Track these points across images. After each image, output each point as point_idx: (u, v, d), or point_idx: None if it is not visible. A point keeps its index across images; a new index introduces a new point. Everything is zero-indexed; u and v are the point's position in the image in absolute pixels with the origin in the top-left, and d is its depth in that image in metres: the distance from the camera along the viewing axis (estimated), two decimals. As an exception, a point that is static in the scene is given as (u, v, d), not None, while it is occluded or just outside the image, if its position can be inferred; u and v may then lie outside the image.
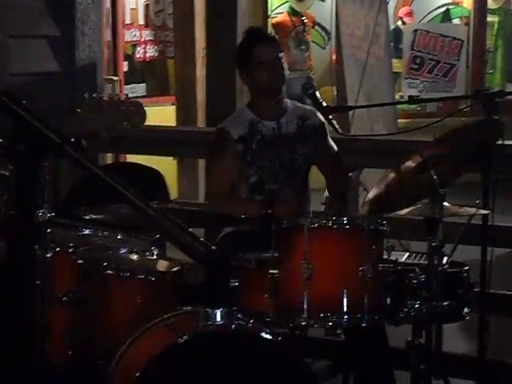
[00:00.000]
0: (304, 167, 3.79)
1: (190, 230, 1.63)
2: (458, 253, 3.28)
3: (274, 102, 3.76)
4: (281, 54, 3.72)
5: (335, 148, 3.90)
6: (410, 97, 3.69)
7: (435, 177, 3.08)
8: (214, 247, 1.49)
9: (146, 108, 2.95)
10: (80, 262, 3.03)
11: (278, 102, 3.77)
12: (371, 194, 3.28)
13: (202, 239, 1.49)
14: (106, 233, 3.29)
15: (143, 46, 8.60)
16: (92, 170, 1.40)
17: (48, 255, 2.97)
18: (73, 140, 1.40)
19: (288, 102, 3.83)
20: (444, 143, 3.17)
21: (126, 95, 2.66)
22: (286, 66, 3.73)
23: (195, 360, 2.65)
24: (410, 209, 3.19)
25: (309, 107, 3.89)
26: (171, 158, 6.95)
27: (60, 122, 2.74)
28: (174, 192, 6.65)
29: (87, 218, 3.24)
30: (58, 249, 3.05)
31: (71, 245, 3.12)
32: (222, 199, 3.67)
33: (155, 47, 8.74)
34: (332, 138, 3.92)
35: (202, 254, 1.43)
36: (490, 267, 3.43)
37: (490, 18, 10.91)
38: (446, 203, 3.11)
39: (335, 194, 3.91)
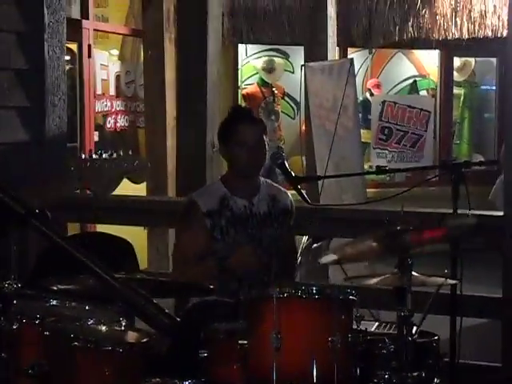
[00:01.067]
0: (271, 247, 3.78)
1: (158, 300, 1.62)
2: (429, 323, 3.28)
3: (248, 181, 3.77)
4: (264, 136, 3.74)
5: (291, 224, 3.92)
6: (377, 167, 3.72)
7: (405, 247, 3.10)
8: (178, 319, 1.48)
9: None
10: (47, 333, 2.98)
11: (252, 181, 3.79)
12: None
13: (167, 311, 1.48)
14: (73, 303, 3.25)
15: (114, 116, 8.64)
16: (55, 240, 1.39)
17: (14, 327, 2.93)
18: (37, 211, 1.40)
19: (261, 179, 3.85)
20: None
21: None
22: (267, 147, 3.75)
23: (163, 433, 2.61)
24: (379, 279, 3.20)
25: (281, 188, 3.92)
26: (141, 228, 6.93)
27: (46, 182, 2.73)
28: (143, 262, 6.61)
29: (54, 288, 3.20)
30: (24, 320, 3.01)
31: (38, 316, 3.07)
32: (186, 266, 3.65)
33: (126, 117, 8.79)
34: (301, 208, 3.94)
35: (167, 326, 1.42)
36: (459, 337, 3.43)
37: (456, 91, 11.13)
38: (414, 273, 3.12)
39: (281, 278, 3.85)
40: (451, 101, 10.97)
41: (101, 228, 6.38)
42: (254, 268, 3.55)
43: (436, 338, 3.19)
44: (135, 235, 5.41)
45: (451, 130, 11.05)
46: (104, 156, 2.86)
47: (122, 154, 2.89)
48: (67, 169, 2.80)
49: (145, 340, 3.03)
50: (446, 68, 10.93)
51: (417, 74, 11.01)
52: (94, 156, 2.84)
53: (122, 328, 3.12)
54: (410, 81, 10.96)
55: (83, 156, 2.84)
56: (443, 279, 3.23)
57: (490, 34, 9.61)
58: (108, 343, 2.97)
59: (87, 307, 3.22)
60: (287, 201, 3.86)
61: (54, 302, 3.26)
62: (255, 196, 3.77)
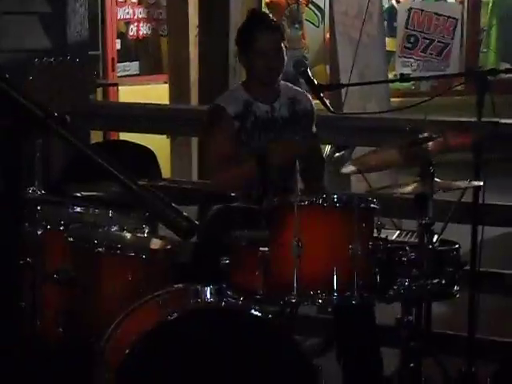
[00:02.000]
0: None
1: (181, 208, 1.63)
2: (451, 233, 3.28)
3: (269, 87, 3.75)
4: (283, 43, 3.69)
5: (315, 131, 3.89)
6: (401, 75, 3.67)
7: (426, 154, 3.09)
8: (197, 222, 1.49)
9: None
10: (71, 239, 3.03)
11: (272, 87, 3.76)
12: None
13: (185, 214, 1.49)
14: (97, 210, 3.29)
15: (136, 23, 8.56)
16: (76, 145, 1.39)
17: (39, 232, 2.97)
18: (56, 115, 1.39)
19: (281, 84, 3.82)
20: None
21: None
22: (285, 54, 3.70)
23: (185, 337, 2.66)
24: (401, 186, 3.20)
25: (300, 89, 3.88)
26: (164, 138, 6.93)
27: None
28: (166, 171, 6.63)
29: (78, 195, 3.23)
30: (48, 226, 3.05)
31: (62, 222, 3.12)
32: (223, 166, 3.62)
33: (148, 25, 8.71)
34: (324, 116, 3.91)
35: (185, 229, 1.43)
36: (480, 245, 3.44)
37: (484, -3, 10.89)
38: (436, 179, 3.12)
39: (309, 186, 3.85)
40: (479, 8, 10.74)
41: (124, 137, 6.39)
42: (290, 160, 3.55)
43: (457, 246, 3.20)
44: (158, 145, 5.40)
45: (478, 38, 10.84)
46: (52, 61, 2.79)
47: (68, 58, 2.82)
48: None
49: (168, 247, 3.08)
50: (475, -27, 10.68)
51: (444, -21, 10.78)
52: (44, 61, 2.77)
53: (145, 235, 3.16)
54: (438, -13, 10.73)
55: (36, 61, 2.76)
56: (466, 183, 3.22)
57: None
58: (131, 249, 3.02)
59: (111, 214, 3.26)
60: (307, 102, 3.82)
61: (78, 209, 3.30)
62: (276, 101, 3.75)
